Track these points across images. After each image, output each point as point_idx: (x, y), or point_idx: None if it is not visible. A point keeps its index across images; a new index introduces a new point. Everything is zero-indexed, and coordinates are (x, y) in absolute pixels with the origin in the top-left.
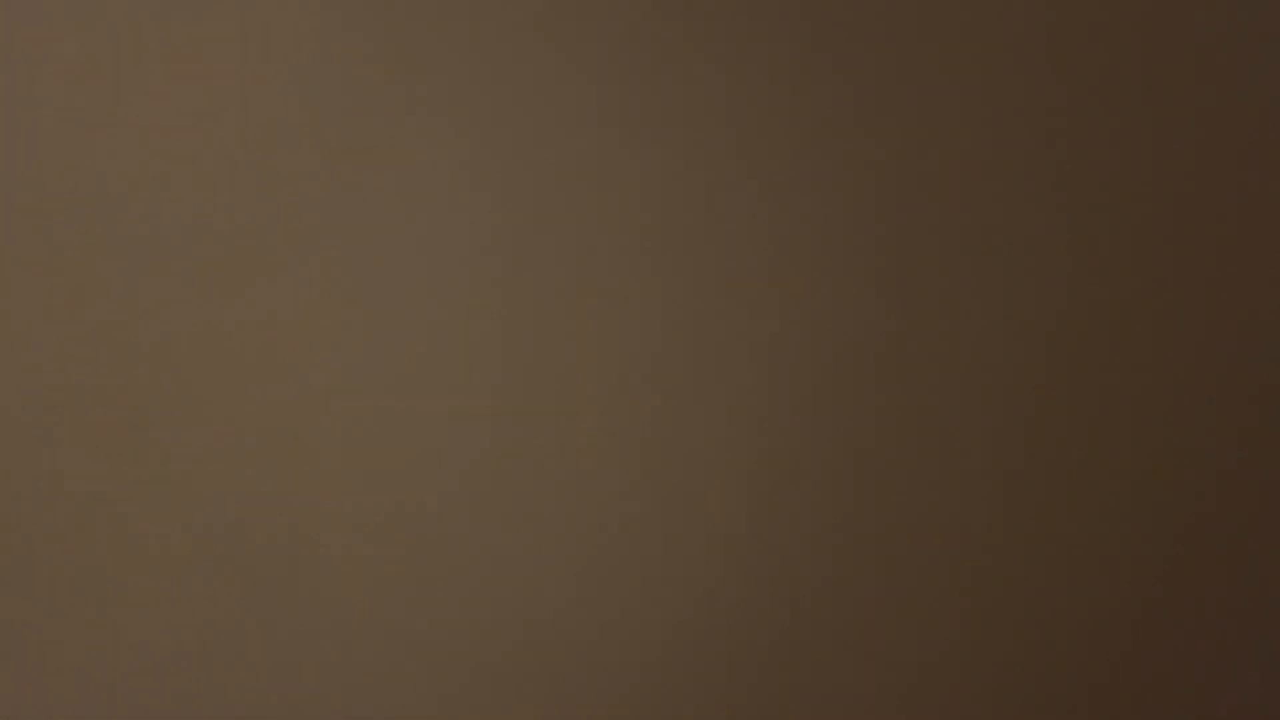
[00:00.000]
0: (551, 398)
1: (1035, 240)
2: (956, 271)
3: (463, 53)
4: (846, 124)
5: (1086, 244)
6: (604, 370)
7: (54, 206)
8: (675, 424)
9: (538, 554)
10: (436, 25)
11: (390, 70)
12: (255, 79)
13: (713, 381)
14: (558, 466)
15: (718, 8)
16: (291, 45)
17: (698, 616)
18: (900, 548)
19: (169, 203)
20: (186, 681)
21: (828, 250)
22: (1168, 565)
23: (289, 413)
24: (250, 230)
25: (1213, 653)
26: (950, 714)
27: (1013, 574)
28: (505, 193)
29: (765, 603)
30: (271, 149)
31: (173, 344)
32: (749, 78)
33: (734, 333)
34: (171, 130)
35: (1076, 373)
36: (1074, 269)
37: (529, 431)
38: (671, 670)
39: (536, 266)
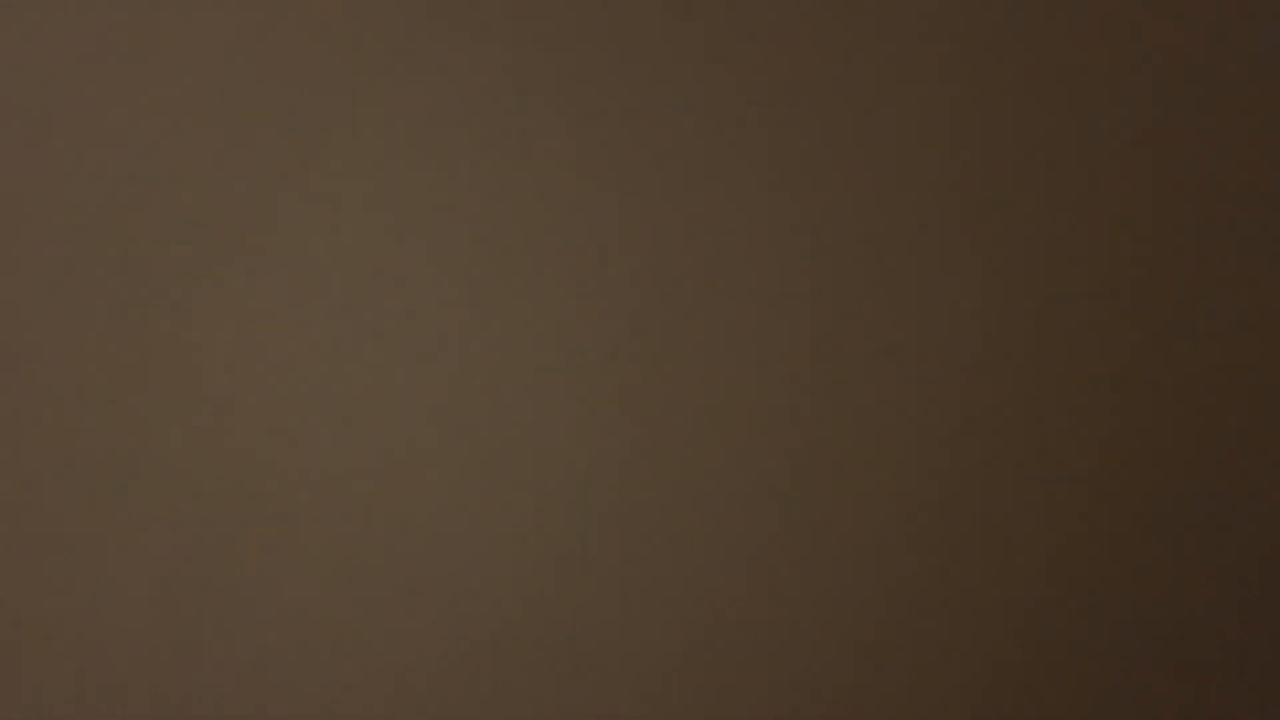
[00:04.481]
0: (538, 400)
1: (1034, 241)
2: (952, 272)
3: (451, 55)
4: (842, 126)
5: (1080, 243)
6: (596, 370)
7: (28, 208)
8: (666, 426)
9: (528, 557)
10: (422, 28)
11: (378, 71)
12: (243, 78)
13: (707, 383)
14: (549, 468)
15: (709, 8)
16: (282, 42)
17: (691, 618)
18: (899, 548)
19: (153, 202)
20: (166, 681)
21: (823, 250)
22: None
23: (270, 413)
24: (231, 232)
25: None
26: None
27: (1010, 573)
28: (493, 192)
29: (761, 603)
30: (260, 149)
31: (152, 345)
32: (739, 78)
33: (726, 333)
34: (157, 129)
35: (1073, 372)
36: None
37: (517, 433)
38: (662, 672)
39: (524, 267)
